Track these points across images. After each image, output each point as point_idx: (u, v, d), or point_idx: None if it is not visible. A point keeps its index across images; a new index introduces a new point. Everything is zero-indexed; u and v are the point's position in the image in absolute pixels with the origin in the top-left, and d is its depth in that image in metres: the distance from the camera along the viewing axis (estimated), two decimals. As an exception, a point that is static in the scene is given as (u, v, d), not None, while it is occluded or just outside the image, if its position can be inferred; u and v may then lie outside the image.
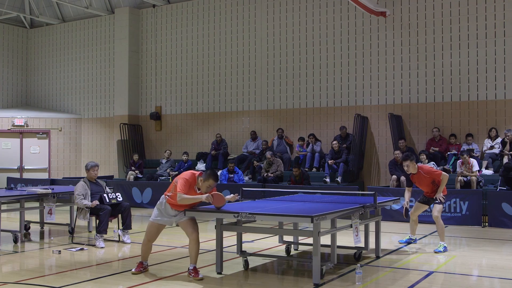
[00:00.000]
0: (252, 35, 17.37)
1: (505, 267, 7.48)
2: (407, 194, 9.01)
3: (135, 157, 17.70)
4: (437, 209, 8.67)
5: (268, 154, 15.01)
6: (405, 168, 8.81)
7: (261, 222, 9.99)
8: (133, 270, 7.02)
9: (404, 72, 15.15)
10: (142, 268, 7.03)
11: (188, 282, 6.51)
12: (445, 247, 8.59)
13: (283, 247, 8.41)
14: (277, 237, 8.66)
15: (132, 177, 17.07)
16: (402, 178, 13.18)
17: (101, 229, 9.02)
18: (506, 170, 12.12)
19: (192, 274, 6.68)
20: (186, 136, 18.58)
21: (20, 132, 20.08)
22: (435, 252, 8.51)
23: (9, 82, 21.63)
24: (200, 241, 6.80)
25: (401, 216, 12.10)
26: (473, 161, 12.85)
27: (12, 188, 11.76)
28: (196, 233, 6.72)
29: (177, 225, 6.98)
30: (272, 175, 14.65)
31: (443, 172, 8.81)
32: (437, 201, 8.68)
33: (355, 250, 7.80)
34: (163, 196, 6.89)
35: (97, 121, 20.35)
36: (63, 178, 18.32)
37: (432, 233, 10.57)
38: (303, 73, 16.47)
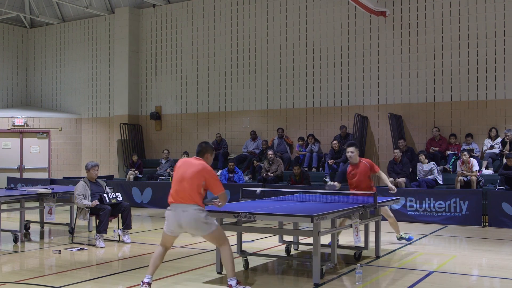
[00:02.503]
0: (252, 35, 17.37)
1: (505, 267, 7.48)
2: (338, 185, 8.73)
3: (134, 157, 17.70)
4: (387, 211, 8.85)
5: (270, 152, 15.02)
6: (348, 155, 8.56)
7: (261, 222, 9.99)
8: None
9: (404, 72, 15.16)
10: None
11: (188, 282, 6.51)
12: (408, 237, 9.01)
13: (283, 247, 8.41)
14: (277, 237, 8.65)
15: (132, 177, 17.07)
16: (400, 180, 13.17)
17: (101, 229, 9.02)
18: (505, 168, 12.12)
19: None
20: (186, 136, 18.58)
21: (20, 132, 20.08)
22: (402, 239, 8.97)
23: (9, 82, 21.63)
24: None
25: (401, 216, 12.15)
26: (473, 161, 12.86)
27: (12, 188, 11.76)
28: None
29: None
30: (272, 174, 14.65)
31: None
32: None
33: (355, 250, 7.80)
34: (197, 208, 5.90)
35: (97, 121, 20.35)
36: (63, 178, 18.32)
37: (432, 233, 10.57)
38: (303, 73, 16.47)
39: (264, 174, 14.74)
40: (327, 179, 14.35)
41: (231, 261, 5.89)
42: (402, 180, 13.17)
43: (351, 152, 8.55)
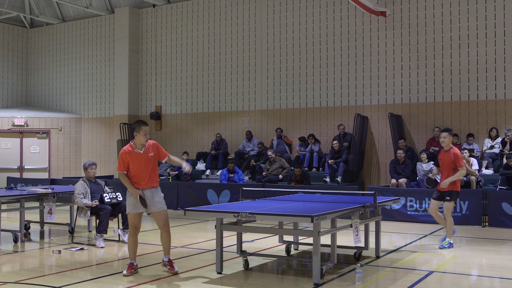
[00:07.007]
0: (252, 35, 17.37)
1: (505, 266, 7.49)
2: (435, 170, 9.36)
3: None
4: (447, 207, 8.80)
5: (270, 152, 15.02)
6: (441, 140, 8.87)
7: (261, 222, 9.99)
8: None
9: (404, 72, 15.15)
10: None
11: (188, 282, 6.51)
12: (450, 243, 8.75)
13: (283, 247, 8.41)
14: (277, 237, 8.66)
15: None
16: (401, 180, 13.19)
17: (101, 229, 9.03)
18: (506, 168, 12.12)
19: (168, 267, 6.95)
20: (186, 136, 18.58)
21: (20, 132, 20.08)
22: (440, 248, 8.61)
23: (9, 82, 21.63)
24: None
25: (401, 216, 12.17)
26: (473, 161, 12.87)
27: (12, 188, 11.76)
28: (168, 225, 6.99)
29: (149, 214, 7.12)
30: (269, 175, 14.66)
31: (464, 166, 8.77)
32: (447, 198, 8.73)
33: (355, 250, 7.80)
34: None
35: (97, 121, 20.36)
36: (63, 178, 18.32)
37: (432, 232, 10.57)
38: (303, 73, 16.47)
39: (263, 174, 14.75)
40: (327, 179, 14.37)
41: (130, 247, 6.99)
42: (403, 180, 13.18)
43: (443, 137, 8.83)
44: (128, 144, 6.95)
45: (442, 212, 9.24)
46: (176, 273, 6.85)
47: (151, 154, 6.90)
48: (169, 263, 6.95)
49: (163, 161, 7.11)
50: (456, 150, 8.84)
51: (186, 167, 7.04)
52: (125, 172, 6.87)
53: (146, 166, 6.86)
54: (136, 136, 6.88)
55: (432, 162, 13.25)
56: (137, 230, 7.00)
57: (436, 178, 9.68)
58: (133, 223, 6.96)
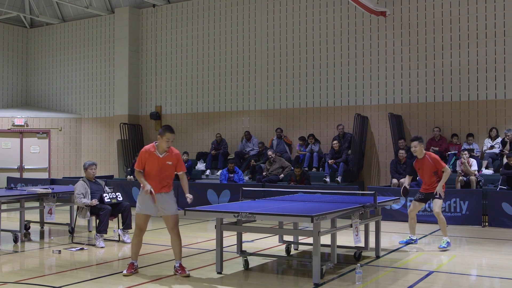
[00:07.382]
0: (252, 35, 17.37)
1: (505, 266, 7.49)
2: (407, 180, 9.17)
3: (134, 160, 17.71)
4: (437, 205, 8.73)
5: (270, 151, 15.02)
6: (412, 149, 8.81)
7: (261, 222, 9.99)
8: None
9: (404, 72, 15.16)
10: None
11: (188, 282, 6.51)
12: (448, 242, 8.72)
13: (283, 247, 8.42)
14: (277, 237, 8.66)
15: (132, 177, 17.06)
16: (402, 180, 13.19)
17: (101, 229, 9.03)
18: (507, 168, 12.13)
19: (180, 271, 6.80)
20: (186, 136, 18.58)
21: (20, 132, 20.08)
22: (439, 248, 8.60)
23: (9, 82, 21.63)
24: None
25: (401, 216, 12.16)
26: (473, 161, 12.87)
27: (12, 188, 11.76)
28: (177, 228, 6.89)
29: (160, 216, 7.04)
30: (269, 175, 14.65)
31: (446, 166, 8.80)
32: (437, 196, 8.70)
33: (355, 250, 7.80)
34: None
35: (97, 121, 20.35)
36: (63, 178, 18.30)
37: (432, 232, 10.58)
38: (303, 73, 16.47)
39: (264, 174, 14.76)
40: (327, 179, 14.37)
41: (133, 247, 7.05)
42: (402, 181, 13.17)
43: (414, 147, 8.74)
44: (152, 144, 6.97)
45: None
46: (188, 276, 6.74)
47: (169, 162, 6.89)
48: (181, 268, 6.83)
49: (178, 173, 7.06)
50: (432, 154, 8.84)
51: (188, 197, 6.97)
52: (141, 171, 6.89)
53: (160, 171, 6.86)
54: (159, 139, 6.88)
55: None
56: (141, 232, 6.98)
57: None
58: (138, 224, 6.95)
